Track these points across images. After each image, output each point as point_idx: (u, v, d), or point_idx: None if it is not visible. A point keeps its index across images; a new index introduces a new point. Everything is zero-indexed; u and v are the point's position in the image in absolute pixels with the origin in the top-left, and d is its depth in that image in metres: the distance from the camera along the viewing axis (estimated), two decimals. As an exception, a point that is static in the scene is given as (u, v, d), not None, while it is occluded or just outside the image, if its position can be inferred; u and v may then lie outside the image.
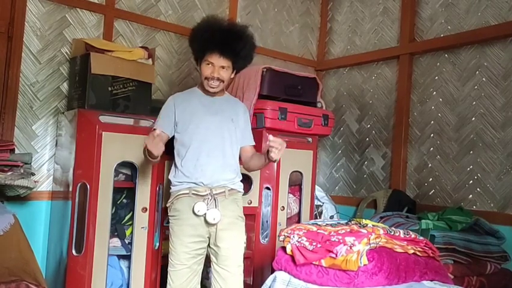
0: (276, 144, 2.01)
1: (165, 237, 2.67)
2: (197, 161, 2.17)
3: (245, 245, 2.38)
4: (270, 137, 2.04)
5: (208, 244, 2.20)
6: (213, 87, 2.20)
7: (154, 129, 2.19)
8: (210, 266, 2.25)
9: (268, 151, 2.06)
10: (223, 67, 2.18)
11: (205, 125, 2.21)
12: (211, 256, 2.22)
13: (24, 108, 2.66)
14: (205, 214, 2.12)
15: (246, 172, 2.49)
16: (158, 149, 1.98)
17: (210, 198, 2.15)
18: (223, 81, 2.21)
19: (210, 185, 2.16)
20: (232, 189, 2.23)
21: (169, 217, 2.24)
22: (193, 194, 2.16)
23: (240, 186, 2.29)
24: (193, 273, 2.18)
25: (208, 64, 2.18)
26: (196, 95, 2.29)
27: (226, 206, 2.18)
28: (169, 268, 2.19)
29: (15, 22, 2.61)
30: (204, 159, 2.18)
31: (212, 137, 2.21)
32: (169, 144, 2.25)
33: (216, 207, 2.14)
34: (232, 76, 2.28)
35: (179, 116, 2.23)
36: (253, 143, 2.38)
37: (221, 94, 2.33)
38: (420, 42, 3.40)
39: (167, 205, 2.27)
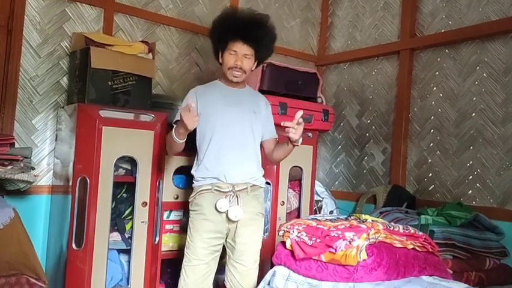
0: (290, 125, 1.99)
1: (165, 231, 2.68)
2: (219, 154, 2.17)
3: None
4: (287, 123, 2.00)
5: (225, 239, 2.22)
6: (236, 77, 2.21)
7: (176, 121, 2.17)
8: (224, 261, 2.27)
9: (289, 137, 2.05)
10: (246, 55, 2.19)
11: (227, 117, 2.21)
12: (228, 250, 2.24)
13: (24, 102, 2.66)
14: (227, 211, 2.13)
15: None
16: (193, 122, 1.96)
17: (232, 195, 2.16)
18: (245, 72, 2.22)
19: (232, 181, 2.16)
20: (254, 185, 2.23)
21: (190, 211, 2.24)
22: (215, 190, 2.16)
23: (261, 182, 2.29)
24: (210, 271, 2.19)
25: (232, 53, 2.19)
26: (218, 87, 2.30)
27: (247, 202, 2.19)
28: (184, 263, 2.20)
29: (14, 16, 2.60)
30: (225, 151, 2.18)
31: (233, 129, 2.20)
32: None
33: (237, 204, 2.15)
34: (254, 68, 2.28)
35: (200, 107, 2.22)
36: (276, 136, 2.36)
37: (242, 86, 2.33)
38: (421, 37, 3.39)
39: (189, 200, 2.27)
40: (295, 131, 2.01)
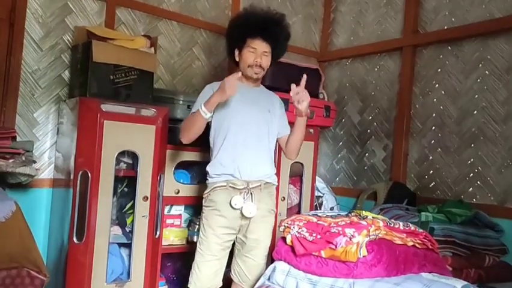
0: (299, 89, 2.12)
1: (166, 226, 2.69)
2: (234, 150, 2.19)
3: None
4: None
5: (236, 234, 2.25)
6: (257, 73, 2.26)
7: (193, 113, 2.21)
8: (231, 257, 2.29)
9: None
10: (265, 53, 2.24)
11: (242, 115, 2.23)
12: (237, 244, 2.27)
13: (26, 95, 2.66)
14: (241, 208, 2.15)
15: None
16: (233, 88, 2.04)
17: (247, 192, 2.18)
18: (264, 69, 2.27)
19: (247, 178, 2.19)
20: (267, 182, 2.26)
21: (204, 207, 2.26)
22: (230, 187, 2.18)
23: (275, 180, 2.32)
24: (221, 268, 2.22)
25: (251, 51, 2.22)
26: None
27: (261, 199, 2.22)
28: (197, 258, 2.22)
29: (16, 9, 2.60)
30: (240, 149, 2.20)
31: (249, 127, 2.23)
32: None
33: (252, 201, 2.17)
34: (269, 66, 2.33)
35: (217, 105, 2.22)
36: (290, 132, 2.37)
37: (257, 85, 2.37)
38: (423, 34, 3.38)
39: (203, 195, 2.28)
40: (298, 100, 2.12)
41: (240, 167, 2.18)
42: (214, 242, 2.18)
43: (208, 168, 2.26)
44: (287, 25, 2.33)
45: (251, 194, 2.19)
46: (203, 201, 2.27)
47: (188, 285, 2.23)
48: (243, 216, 2.18)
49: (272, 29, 2.23)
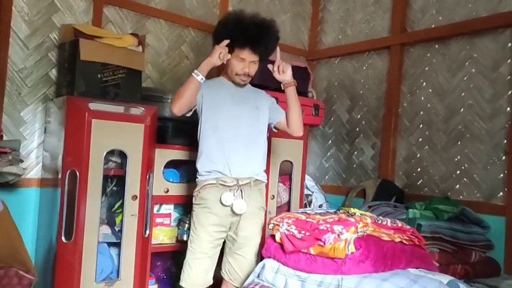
0: (275, 69, 2.22)
1: (155, 225, 2.68)
2: (224, 148, 2.20)
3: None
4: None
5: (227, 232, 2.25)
6: (244, 81, 2.27)
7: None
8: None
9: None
10: (253, 62, 2.24)
11: (231, 113, 2.24)
12: (227, 242, 2.27)
13: (12, 94, 2.63)
14: (232, 204, 2.16)
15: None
16: (224, 53, 2.13)
17: (237, 189, 2.19)
18: (251, 77, 2.28)
19: (237, 176, 2.19)
20: (257, 179, 2.27)
21: (194, 205, 2.26)
22: (220, 184, 2.19)
23: (264, 177, 2.33)
24: (212, 266, 2.23)
25: (239, 60, 2.21)
26: (223, 84, 2.32)
27: (251, 196, 2.23)
28: (188, 256, 2.22)
29: (2, 6, 2.57)
30: (230, 147, 2.20)
31: (239, 125, 2.24)
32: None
33: (242, 197, 2.18)
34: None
35: (206, 101, 2.23)
36: (285, 116, 2.38)
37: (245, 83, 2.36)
38: (411, 32, 3.41)
39: (193, 194, 2.28)
40: (277, 71, 2.21)
41: (230, 164, 2.19)
42: (205, 240, 2.19)
43: (197, 165, 2.26)
44: (276, 32, 2.30)
45: (241, 191, 2.19)
46: (193, 200, 2.27)
47: (180, 283, 2.23)
48: (233, 213, 2.19)
49: (261, 39, 2.20)
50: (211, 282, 2.24)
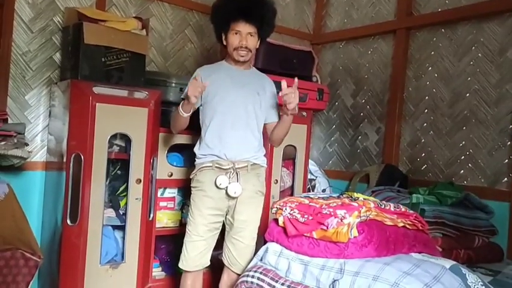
0: (283, 94, 2.08)
1: (159, 208, 2.70)
2: (221, 133, 2.20)
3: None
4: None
5: (225, 216, 2.26)
6: (243, 55, 2.23)
7: (183, 98, 2.20)
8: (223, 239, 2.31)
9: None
10: (250, 34, 2.21)
11: (230, 97, 2.23)
12: (227, 226, 2.28)
13: (17, 77, 2.64)
14: (226, 187, 2.16)
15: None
16: (195, 90, 2.02)
17: (232, 172, 2.18)
18: (251, 51, 2.24)
19: (233, 159, 2.19)
20: (254, 163, 2.25)
21: (192, 188, 2.27)
22: (216, 167, 2.19)
23: (263, 161, 2.31)
24: (208, 247, 2.24)
25: (236, 33, 2.20)
26: (224, 67, 2.31)
27: (247, 180, 2.22)
28: (185, 238, 2.25)
29: (6, -10, 2.56)
30: (228, 131, 2.20)
31: (237, 110, 2.22)
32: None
33: (237, 181, 2.18)
34: (258, 45, 2.30)
35: (206, 90, 2.21)
36: (278, 119, 2.35)
37: (248, 67, 2.35)
38: (417, 16, 3.37)
39: (190, 176, 2.29)
40: (288, 100, 2.08)
41: (226, 148, 2.19)
42: (201, 223, 2.20)
43: (195, 149, 2.27)
44: (271, 2, 2.28)
45: (237, 174, 2.19)
46: (191, 182, 2.29)
47: (179, 265, 2.26)
48: (228, 196, 2.18)
49: (254, 9, 2.19)
50: (207, 263, 2.26)
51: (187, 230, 2.25)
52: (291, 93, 2.07)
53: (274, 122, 2.35)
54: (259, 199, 2.30)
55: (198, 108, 2.29)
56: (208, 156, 2.21)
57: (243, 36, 2.19)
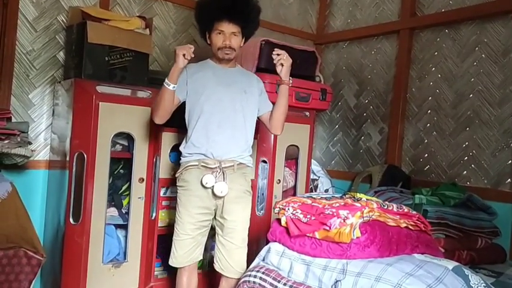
0: (275, 55, 2.14)
1: (162, 207, 2.70)
2: (207, 132, 2.18)
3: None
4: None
5: (214, 216, 2.24)
6: (227, 54, 2.22)
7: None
8: (214, 239, 2.29)
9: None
10: (234, 34, 2.20)
11: (217, 96, 2.21)
12: (217, 228, 2.26)
13: (21, 76, 2.64)
14: (212, 186, 2.14)
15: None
16: (188, 51, 2.01)
17: (219, 171, 2.17)
18: (235, 50, 2.23)
19: (219, 158, 2.18)
20: (241, 163, 2.24)
21: (177, 187, 2.26)
22: (202, 166, 2.17)
23: (249, 161, 2.30)
24: (197, 243, 2.22)
25: (219, 33, 2.19)
26: (210, 66, 2.29)
27: (234, 179, 2.20)
28: (174, 237, 2.23)
29: (10, -12, 2.57)
30: (214, 130, 2.18)
31: (223, 108, 2.21)
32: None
33: (224, 180, 2.16)
34: (242, 44, 2.29)
35: (191, 85, 2.22)
36: (272, 107, 2.35)
37: (233, 65, 2.34)
38: (421, 16, 3.36)
39: (176, 175, 2.28)
40: (279, 62, 2.15)
41: (213, 147, 2.17)
42: (187, 222, 2.18)
43: (181, 148, 2.26)
44: (254, 0, 2.27)
45: (223, 173, 2.17)
46: (176, 182, 2.27)
47: (169, 262, 2.25)
48: (214, 195, 2.17)
49: (237, 8, 2.16)
50: (198, 258, 2.25)
51: (175, 228, 2.23)
52: (283, 55, 2.15)
53: (269, 111, 2.34)
54: (247, 198, 2.28)
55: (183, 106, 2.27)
56: (194, 155, 2.19)
57: (227, 36, 2.18)
